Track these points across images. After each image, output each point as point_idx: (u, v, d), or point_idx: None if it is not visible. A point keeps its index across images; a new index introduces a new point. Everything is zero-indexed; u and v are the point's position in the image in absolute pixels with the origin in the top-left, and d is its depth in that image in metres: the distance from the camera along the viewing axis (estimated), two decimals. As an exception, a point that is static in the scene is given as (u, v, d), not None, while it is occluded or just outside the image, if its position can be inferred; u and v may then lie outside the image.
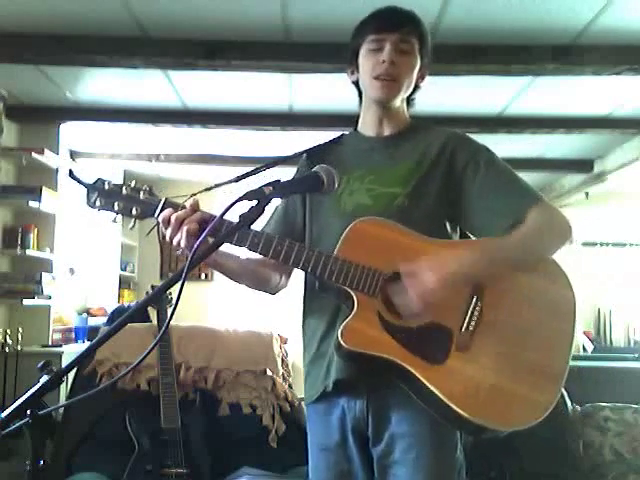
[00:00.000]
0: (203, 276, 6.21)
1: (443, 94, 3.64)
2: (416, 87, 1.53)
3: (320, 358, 1.45)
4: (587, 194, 5.72)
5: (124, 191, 1.34)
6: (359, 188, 1.47)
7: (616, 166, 4.99)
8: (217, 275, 6.07)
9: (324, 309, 1.44)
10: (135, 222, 1.35)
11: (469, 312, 1.33)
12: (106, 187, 1.34)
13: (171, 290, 1.13)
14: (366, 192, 1.46)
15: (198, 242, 1.17)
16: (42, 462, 0.96)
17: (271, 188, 1.19)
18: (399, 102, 1.51)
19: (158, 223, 1.34)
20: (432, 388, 1.26)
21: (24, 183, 4.19)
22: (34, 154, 4.02)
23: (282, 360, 2.83)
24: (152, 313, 3.04)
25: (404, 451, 1.38)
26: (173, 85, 3.76)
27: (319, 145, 1.59)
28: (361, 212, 1.41)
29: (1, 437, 0.91)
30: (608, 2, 2.72)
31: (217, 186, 1.41)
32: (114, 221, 1.37)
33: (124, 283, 5.99)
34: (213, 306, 6.14)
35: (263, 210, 1.19)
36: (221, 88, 3.82)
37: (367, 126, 1.55)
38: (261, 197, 1.18)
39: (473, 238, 1.48)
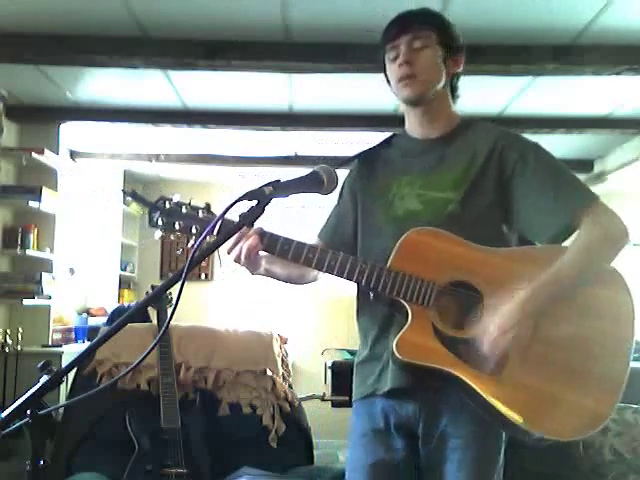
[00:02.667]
0: (203, 276, 6.21)
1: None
2: (454, 75, 1.52)
3: (374, 360, 1.46)
4: (587, 194, 5.72)
5: (184, 210, 1.38)
6: (409, 193, 1.46)
7: (616, 166, 4.98)
8: (217, 275, 6.03)
9: (377, 313, 1.45)
10: (196, 241, 1.39)
11: None
12: (167, 206, 1.38)
13: (171, 290, 1.13)
14: (416, 197, 1.45)
15: (198, 242, 1.17)
16: (42, 462, 0.96)
17: (271, 188, 1.19)
18: (435, 96, 1.48)
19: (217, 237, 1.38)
20: (490, 399, 1.27)
21: (24, 183, 4.18)
22: (34, 154, 4.01)
23: (282, 360, 2.83)
24: (152, 313, 3.04)
25: (451, 451, 1.39)
26: (173, 85, 3.76)
27: (370, 149, 1.59)
28: (411, 218, 1.42)
29: (1, 437, 0.91)
30: (608, 2, 2.72)
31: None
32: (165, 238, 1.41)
33: (124, 283, 5.98)
34: (213, 306, 6.14)
35: (263, 210, 1.19)
36: (221, 88, 3.82)
37: (413, 128, 1.54)
38: (261, 197, 1.18)
39: (537, 244, 1.44)
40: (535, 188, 1.40)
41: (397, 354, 1.30)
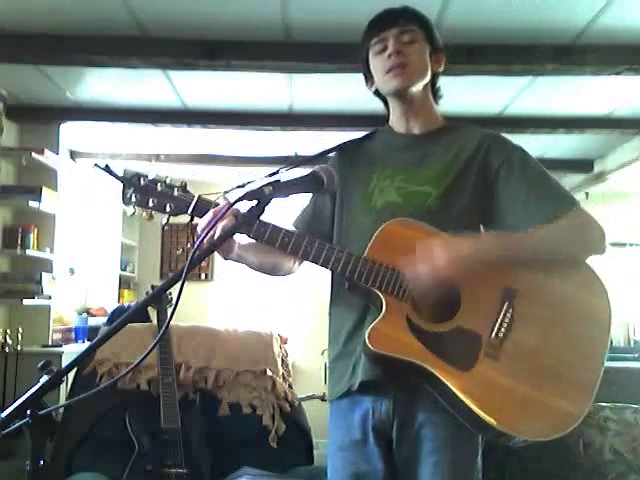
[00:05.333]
0: (203, 276, 6.21)
1: (443, 94, 3.63)
2: (436, 74, 1.52)
3: (346, 356, 1.44)
4: (587, 194, 5.71)
5: (159, 188, 1.34)
6: (389, 185, 1.45)
7: (616, 166, 4.99)
8: (217, 275, 6.00)
9: (352, 307, 1.43)
10: (169, 219, 1.37)
11: (499, 318, 1.31)
12: (142, 183, 1.35)
13: (171, 290, 1.13)
14: (396, 190, 1.44)
15: (198, 243, 1.17)
16: (42, 462, 0.96)
17: (271, 188, 1.19)
18: (420, 92, 1.48)
19: (191, 219, 1.35)
20: (459, 394, 1.25)
21: (24, 183, 4.19)
22: (34, 154, 4.01)
23: (282, 360, 2.83)
24: (152, 313, 3.04)
25: (426, 454, 1.38)
26: (173, 85, 3.76)
27: (351, 141, 1.58)
28: (391, 210, 1.41)
29: (1, 437, 0.91)
30: (608, 2, 2.72)
31: (249, 183, 1.41)
32: (150, 217, 1.38)
33: (124, 283, 5.98)
34: (213, 306, 6.14)
35: (263, 210, 1.19)
36: (221, 88, 3.82)
37: (396, 123, 1.54)
38: (261, 197, 1.18)
39: None
40: (519, 191, 1.41)
41: (369, 345, 1.28)
